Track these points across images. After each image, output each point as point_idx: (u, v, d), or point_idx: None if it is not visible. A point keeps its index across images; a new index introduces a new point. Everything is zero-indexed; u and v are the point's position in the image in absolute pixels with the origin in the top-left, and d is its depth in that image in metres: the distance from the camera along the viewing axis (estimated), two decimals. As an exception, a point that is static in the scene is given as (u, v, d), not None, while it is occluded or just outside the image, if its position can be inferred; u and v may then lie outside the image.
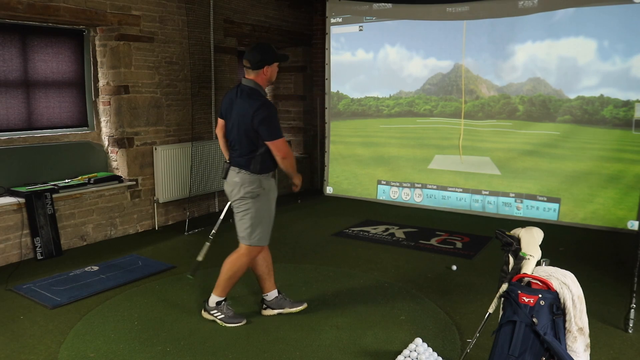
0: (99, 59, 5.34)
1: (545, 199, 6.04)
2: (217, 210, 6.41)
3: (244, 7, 6.66)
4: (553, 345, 2.24)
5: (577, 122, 5.86)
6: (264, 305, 3.56)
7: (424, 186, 6.79)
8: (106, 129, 5.46)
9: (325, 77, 7.48)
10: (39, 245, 4.64)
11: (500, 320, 2.44)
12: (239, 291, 3.91)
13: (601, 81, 5.65)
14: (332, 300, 3.80)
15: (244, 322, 3.40)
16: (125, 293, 3.91)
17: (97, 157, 5.43)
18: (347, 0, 7.09)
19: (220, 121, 3.44)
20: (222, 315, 3.39)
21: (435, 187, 6.72)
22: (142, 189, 5.61)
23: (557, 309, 2.29)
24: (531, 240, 2.55)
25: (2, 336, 3.22)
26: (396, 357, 2.93)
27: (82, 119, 5.43)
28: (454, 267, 4.45)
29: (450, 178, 6.62)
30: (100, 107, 5.43)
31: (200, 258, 3.78)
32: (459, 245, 5.18)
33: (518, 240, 2.57)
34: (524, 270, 2.45)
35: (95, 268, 4.42)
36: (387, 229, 5.74)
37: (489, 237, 5.31)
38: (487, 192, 6.39)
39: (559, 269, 2.43)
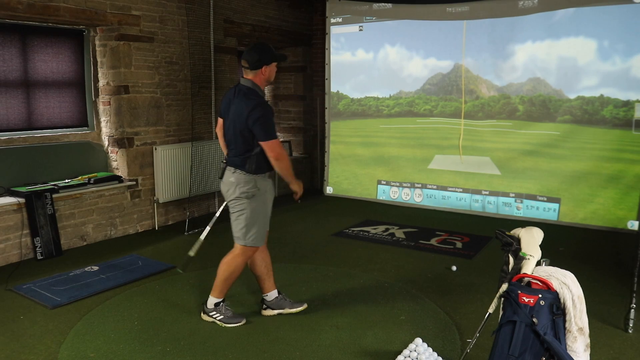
0: (99, 59, 5.34)
1: (545, 199, 6.04)
2: (218, 215, 6.40)
3: (244, 7, 6.66)
4: (553, 345, 2.24)
5: (577, 122, 5.86)
6: (264, 306, 3.56)
7: (424, 186, 6.79)
8: (106, 129, 5.46)
9: (325, 77, 7.48)
10: (39, 245, 4.64)
11: (500, 320, 2.44)
12: (238, 291, 3.91)
13: (601, 81, 5.65)
14: (332, 300, 3.80)
15: (243, 322, 3.41)
16: (125, 293, 3.91)
17: (97, 157, 5.43)
18: (347, 0, 7.09)
19: (220, 120, 3.44)
20: (221, 316, 3.39)
21: (435, 187, 6.72)
22: (142, 189, 5.61)
23: (557, 309, 2.29)
24: (531, 240, 2.55)
25: (2, 336, 3.22)
26: (396, 357, 2.93)
27: (82, 119, 5.43)
28: (454, 268, 4.45)
29: (450, 178, 6.62)
30: (100, 107, 5.43)
31: (192, 253, 3.77)
32: (459, 245, 5.18)
33: (518, 240, 2.57)
34: (524, 270, 2.45)
35: (95, 268, 4.42)
36: (387, 229, 5.74)
37: (489, 237, 5.31)
38: (487, 192, 6.39)
39: (559, 269, 2.43)
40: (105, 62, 5.29)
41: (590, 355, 2.46)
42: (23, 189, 4.64)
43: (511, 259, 2.54)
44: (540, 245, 2.55)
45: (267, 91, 8.13)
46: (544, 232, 2.63)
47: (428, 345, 2.98)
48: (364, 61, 7.15)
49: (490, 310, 2.60)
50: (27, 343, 3.14)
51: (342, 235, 5.51)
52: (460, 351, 3.03)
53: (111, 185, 5.25)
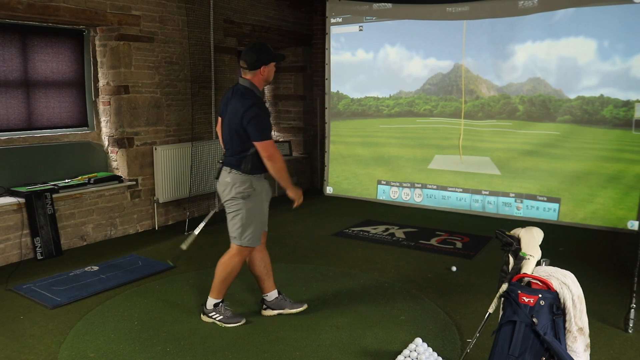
0: (99, 59, 5.34)
1: (545, 199, 6.04)
2: (217, 210, 6.40)
3: (244, 7, 6.66)
4: (553, 345, 2.24)
5: (577, 122, 5.86)
6: (264, 306, 3.56)
7: (424, 186, 6.79)
8: (106, 129, 5.46)
9: (325, 77, 7.48)
10: (39, 245, 4.64)
11: (500, 320, 2.44)
12: (238, 291, 3.91)
13: (601, 81, 5.65)
14: (332, 300, 3.80)
15: (243, 321, 3.41)
16: (125, 293, 3.91)
17: (97, 157, 5.43)
18: (347, 0, 7.09)
19: (220, 119, 3.44)
20: (221, 317, 3.39)
21: (435, 187, 6.72)
22: (142, 189, 5.61)
23: (557, 309, 2.29)
24: (531, 240, 2.55)
25: (2, 336, 3.22)
26: (396, 357, 2.93)
27: (82, 119, 5.43)
28: (454, 268, 4.45)
29: (450, 178, 6.62)
30: (100, 107, 5.43)
31: (184, 247, 3.77)
32: (459, 245, 5.18)
33: (518, 240, 2.57)
34: (524, 270, 2.45)
35: (95, 268, 4.42)
36: (387, 229, 5.74)
37: (489, 237, 5.31)
38: (487, 192, 6.39)
39: (559, 269, 2.43)
40: (105, 62, 5.30)
41: (590, 355, 2.47)
42: (23, 189, 4.64)
43: (511, 259, 2.54)
44: (540, 245, 2.55)
45: (267, 91, 8.13)
46: (544, 232, 2.63)
47: (428, 345, 2.98)
48: (364, 61, 7.15)
49: (490, 310, 2.60)
50: (27, 343, 3.14)
51: (342, 235, 5.51)
52: (460, 351, 3.03)
53: (111, 185, 5.25)
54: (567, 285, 2.32)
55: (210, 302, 3.41)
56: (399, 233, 5.58)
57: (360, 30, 7.08)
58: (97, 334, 3.25)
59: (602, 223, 5.71)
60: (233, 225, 3.30)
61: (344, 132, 7.43)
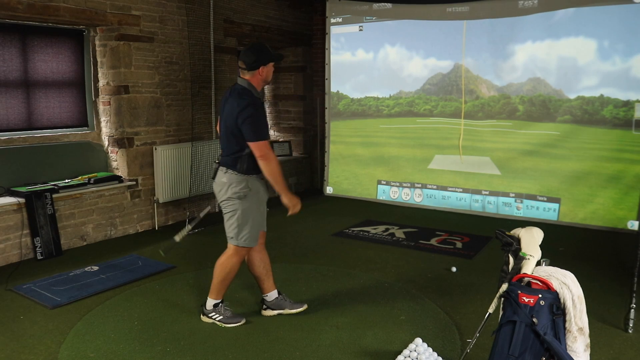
0: (99, 59, 5.34)
1: (545, 199, 6.04)
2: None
3: (244, 7, 6.66)
4: (553, 345, 2.24)
5: (577, 122, 5.86)
6: (264, 306, 3.56)
7: (424, 186, 6.79)
8: (106, 129, 5.46)
9: (325, 77, 7.48)
10: (39, 245, 4.64)
11: (500, 320, 2.44)
12: (238, 291, 3.91)
13: (601, 81, 5.65)
14: (332, 300, 3.80)
15: (243, 321, 3.41)
16: (125, 293, 3.91)
17: (97, 157, 5.43)
18: (347, 0, 7.09)
19: (219, 119, 3.44)
20: (221, 317, 3.39)
21: (435, 187, 6.72)
22: (142, 189, 5.61)
23: (557, 309, 2.29)
24: (531, 240, 2.55)
25: (2, 336, 3.22)
26: (396, 357, 2.93)
27: (82, 119, 5.43)
28: (454, 269, 4.44)
29: (450, 178, 6.62)
30: (100, 107, 5.43)
31: (177, 239, 3.76)
32: (459, 245, 5.18)
33: (518, 240, 2.57)
34: (524, 270, 2.45)
35: (95, 268, 4.42)
36: (387, 229, 5.74)
37: (489, 237, 5.31)
38: (487, 192, 6.39)
39: (559, 269, 2.43)
40: (105, 62, 5.30)
41: (590, 355, 2.47)
42: (23, 189, 4.64)
43: (511, 259, 2.54)
44: (540, 245, 2.55)
45: (267, 91, 8.13)
46: (544, 232, 2.63)
47: (428, 345, 2.98)
48: (364, 61, 7.15)
49: (490, 310, 2.60)
50: (27, 343, 3.14)
51: (342, 235, 5.51)
52: (460, 351, 3.03)
53: (111, 185, 5.25)
54: (567, 285, 2.32)
55: (210, 302, 3.41)
56: (399, 233, 5.58)
57: (360, 30, 7.08)
58: (97, 334, 3.25)
59: (602, 223, 5.71)
60: (230, 226, 3.30)
61: (344, 132, 7.43)
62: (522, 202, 6.17)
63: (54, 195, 4.75)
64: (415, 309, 3.65)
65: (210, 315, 3.41)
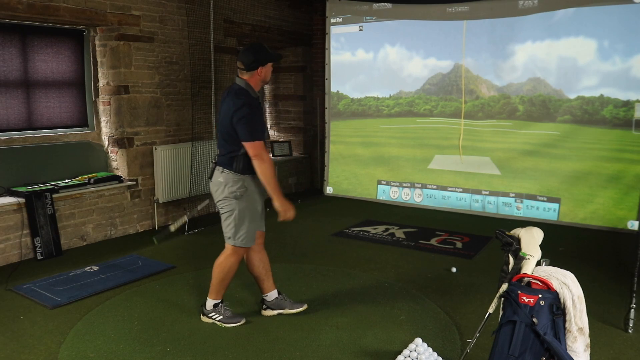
0: (99, 59, 5.34)
1: (545, 199, 6.04)
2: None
3: (244, 7, 6.66)
4: (553, 345, 2.24)
5: (577, 122, 5.86)
6: (264, 306, 3.55)
7: (424, 186, 6.79)
8: (106, 129, 5.46)
9: (325, 77, 7.48)
10: (39, 245, 4.64)
11: (500, 320, 2.44)
12: (238, 291, 3.91)
13: (601, 81, 5.65)
14: (332, 300, 3.80)
15: (243, 321, 3.41)
16: (125, 293, 3.91)
17: (97, 157, 5.43)
18: (347, 0, 7.09)
19: None
20: (221, 317, 3.39)
21: (435, 187, 6.72)
22: (142, 189, 5.61)
23: (557, 309, 2.29)
24: (531, 240, 2.55)
25: (2, 336, 3.22)
26: (396, 357, 2.93)
27: (82, 119, 5.43)
28: (454, 270, 4.43)
29: (450, 178, 6.62)
30: (100, 107, 5.43)
31: (172, 229, 3.75)
32: (459, 245, 5.18)
33: (518, 240, 2.57)
34: (524, 270, 2.45)
35: (95, 268, 4.42)
36: (387, 229, 5.74)
37: (489, 237, 5.31)
38: (487, 192, 6.39)
39: (559, 269, 2.43)
40: (105, 62, 5.30)
41: (590, 355, 2.47)
42: (23, 189, 4.64)
43: (511, 259, 2.54)
44: (540, 245, 2.55)
45: (267, 91, 8.14)
46: (544, 232, 2.63)
47: (428, 345, 2.98)
48: (364, 61, 7.15)
49: (490, 310, 2.60)
50: (27, 343, 3.14)
51: (342, 235, 5.51)
52: (460, 351, 3.03)
53: (111, 185, 5.25)
54: (567, 285, 2.32)
55: (210, 303, 3.41)
56: (399, 233, 5.58)
57: (360, 30, 7.08)
58: (97, 334, 3.25)
59: (602, 223, 5.71)
60: (227, 226, 3.30)
61: (344, 132, 7.43)
62: (522, 202, 6.17)
63: (54, 195, 4.75)
64: (415, 309, 3.65)
65: (210, 315, 3.41)
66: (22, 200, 4.55)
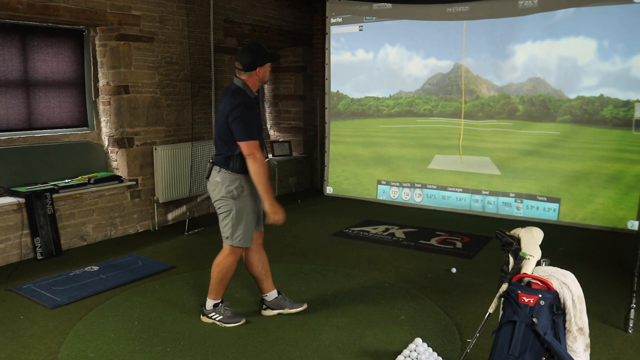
0: (99, 59, 5.34)
1: (545, 199, 6.04)
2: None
3: (244, 7, 6.66)
4: (553, 345, 2.24)
5: (577, 122, 5.86)
6: (264, 306, 3.55)
7: (424, 186, 6.79)
8: (106, 129, 5.46)
9: (325, 77, 7.48)
10: (39, 245, 4.64)
11: (500, 320, 2.44)
12: (238, 291, 3.91)
13: (601, 81, 5.65)
14: (332, 300, 3.80)
15: (243, 321, 3.41)
16: (125, 293, 3.91)
17: (97, 157, 5.43)
18: (347, 0, 7.09)
19: None
20: (221, 317, 3.39)
21: (435, 187, 6.72)
22: (142, 189, 5.61)
23: (557, 309, 2.29)
24: (531, 240, 2.55)
25: (2, 336, 3.22)
26: (396, 357, 2.93)
27: (82, 119, 5.43)
28: (454, 270, 4.43)
29: (450, 178, 6.62)
30: (100, 107, 5.43)
31: (170, 217, 3.69)
32: (459, 245, 5.18)
33: (518, 240, 2.57)
34: (524, 270, 2.45)
35: (95, 268, 4.42)
36: (387, 229, 5.74)
37: (489, 237, 5.31)
38: (487, 192, 6.39)
39: (559, 269, 2.43)
40: (105, 62, 5.29)
41: (590, 355, 2.47)
42: (23, 189, 4.64)
43: (511, 259, 2.54)
44: (540, 245, 2.55)
45: (267, 91, 8.14)
46: (544, 232, 2.63)
47: (428, 345, 2.98)
48: (364, 61, 7.15)
49: (490, 310, 2.60)
50: (27, 343, 3.14)
51: (342, 235, 5.51)
52: (460, 351, 3.03)
53: (111, 185, 5.25)
54: (567, 285, 2.32)
55: (209, 303, 3.41)
56: (399, 233, 5.58)
57: (360, 30, 7.08)
58: (97, 334, 3.25)
59: (602, 223, 5.71)
60: (224, 226, 3.30)
61: (344, 132, 7.43)
62: (522, 202, 6.17)
63: (54, 195, 4.75)
64: (415, 309, 3.65)
65: (210, 315, 3.41)
66: (22, 200, 4.55)
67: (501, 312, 2.48)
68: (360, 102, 7.26)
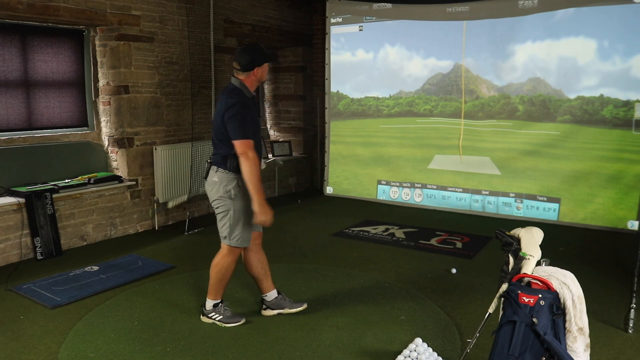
0: (99, 59, 5.34)
1: (545, 199, 6.04)
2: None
3: (244, 7, 6.66)
4: (553, 345, 2.24)
5: (577, 122, 5.86)
6: (264, 306, 3.55)
7: (424, 186, 6.79)
8: (106, 129, 5.46)
9: (325, 77, 7.48)
10: (39, 245, 4.64)
11: (500, 320, 2.44)
12: (238, 291, 3.91)
13: (601, 81, 5.65)
14: (332, 300, 3.80)
15: (242, 321, 3.41)
16: (125, 293, 3.91)
17: (97, 157, 5.43)
18: (347, 0, 7.09)
19: None
20: (221, 317, 3.39)
21: (435, 187, 6.72)
22: (142, 189, 5.61)
23: (557, 309, 2.29)
24: (531, 240, 2.55)
25: (2, 336, 3.22)
26: (396, 357, 2.93)
27: (82, 119, 5.43)
28: (454, 271, 4.42)
29: (450, 178, 6.62)
30: (100, 107, 5.43)
31: (170, 205, 3.67)
32: (459, 245, 5.18)
33: (518, 240, 2.57)
34: (524, 270, 2.45)
35: (95, 268, 4.42)
36: (387, 229, 5.74)
37: (489, 237, 5.31)
38: (487, 192, 6.39)
39: (559, 269, 2.43)
40: (105, 62, 5.29)
41: (590, 355, 2.47)
42: (23, 189, 4.64)
43: (511, 259, 2.54)
44: (540, 245, 2.55)
45: (267, 91, 8.14)
46: (544, 232, 2.63)
47: (428, 345, 2.98)
48: (364, 61, 7.15)
49: (490, 310, 2.60)
50: (27, 343, 3.14)
51: (342, 235, 5.51)
52: (460, 351, 3.03)
53: (111, 185, 5.25)
54: (567, 285, 2.32)
55: (209, 303, 3.41)
56: (399, 233, 5.58)
57: (360, 30, 7.08)
58: (97, 334, 3.25)
59: (602, 223, 5.71)
60: (222, 226, 3.30)
61: (344, 132, 7.43)
62: (522, 202, 6.17)
63: (54, 195, 4.75)
64: (415, 309, 3.65)
65: (210, 315, 3.41)
66: (22, 200, 4.55)
67: (501, 312, 2.48)
68: (360, 102, 7.26)
